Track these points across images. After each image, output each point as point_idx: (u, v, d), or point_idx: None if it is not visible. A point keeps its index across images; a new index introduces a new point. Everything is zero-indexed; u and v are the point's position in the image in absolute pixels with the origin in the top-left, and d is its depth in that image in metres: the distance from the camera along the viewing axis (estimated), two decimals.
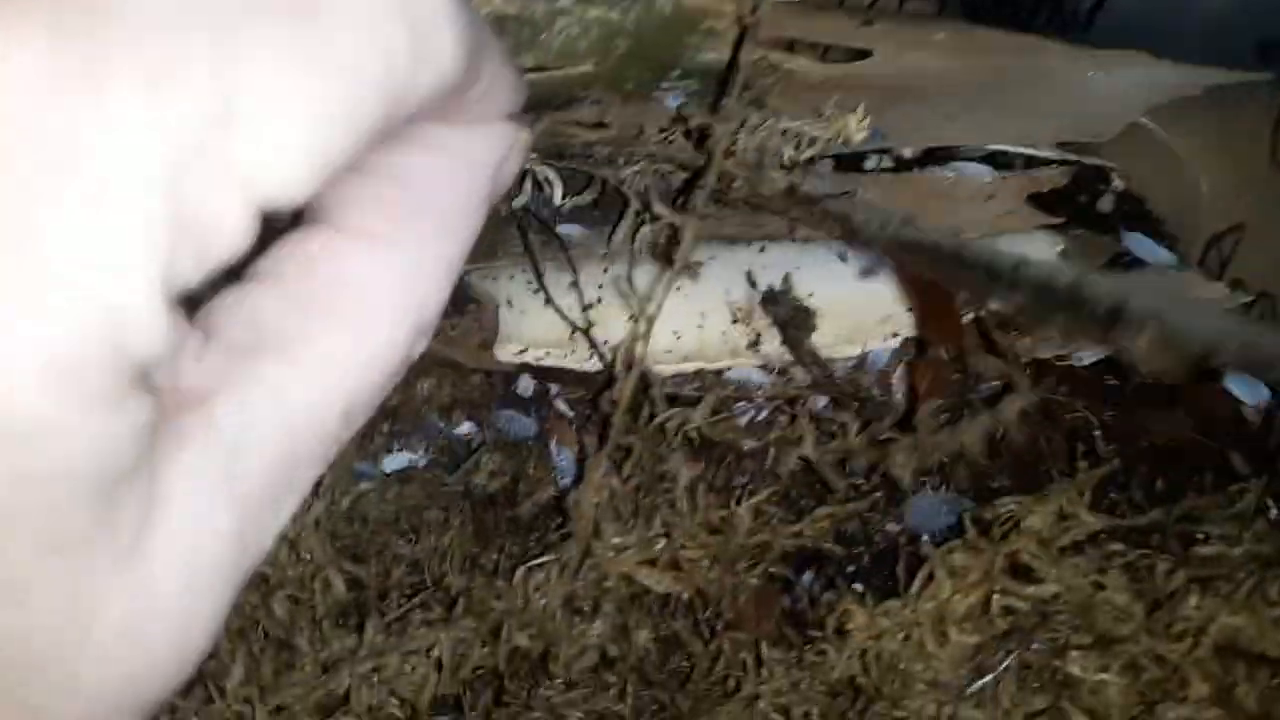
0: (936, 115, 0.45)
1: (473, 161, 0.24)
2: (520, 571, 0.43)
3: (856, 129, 0.43)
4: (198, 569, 0.17)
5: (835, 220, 0.43)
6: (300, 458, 0.19)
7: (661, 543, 0.44)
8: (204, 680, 0.41)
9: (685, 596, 0.44)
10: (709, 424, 0.47)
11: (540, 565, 0.43)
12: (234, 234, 0.17)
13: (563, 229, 0.50)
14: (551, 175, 0.47)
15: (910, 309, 0.47)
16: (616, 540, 0.43)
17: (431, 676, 0.43)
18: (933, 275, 0.43)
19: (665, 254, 0.46)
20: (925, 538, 0.46)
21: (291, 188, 0.17)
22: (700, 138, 0.42)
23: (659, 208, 0.40)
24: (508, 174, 0.25)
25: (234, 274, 0.20)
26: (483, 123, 0.24)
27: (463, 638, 0.43)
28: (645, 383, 0.47)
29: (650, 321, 0.40)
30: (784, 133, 0.44)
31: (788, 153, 0.44)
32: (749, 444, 0.48)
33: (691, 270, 0.51)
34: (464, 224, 0.23)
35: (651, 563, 0.43)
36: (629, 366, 0.41)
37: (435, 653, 0.43)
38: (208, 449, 0.17)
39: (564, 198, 0.48)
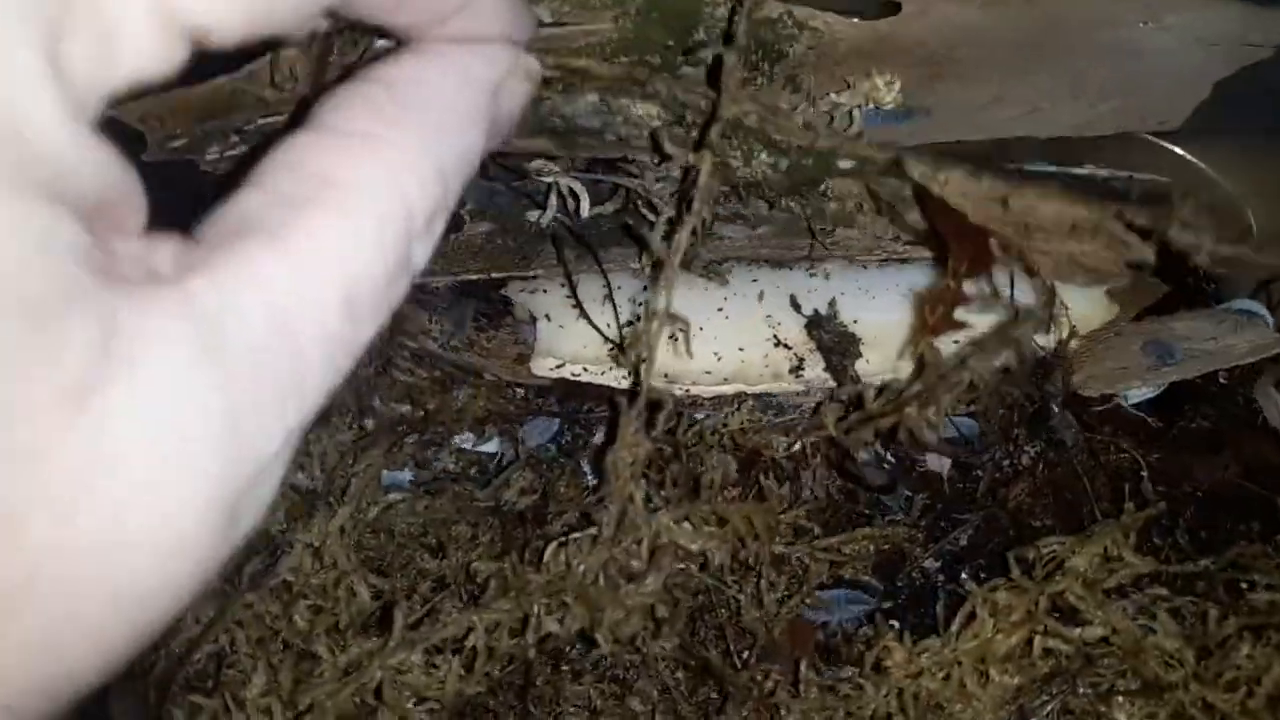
0: (983, 97, 0.43)
1: (468, 74, 0.24)
2: (552, 547, 0.41)
3: (885, 90, 0.43)
4: (174, 438, 0.17)
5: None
6: (304, 353, 0.19)
7: (697, 502, 0.42)
8: (222, 690, 0.40)
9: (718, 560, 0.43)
10: (741, 430, 0.46)
11: (574, 540, 0.41)
12: (141, 37, 0.17)
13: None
14: (578, 187, 0.46)
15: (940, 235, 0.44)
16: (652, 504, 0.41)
17: (457, 674, 0.42)
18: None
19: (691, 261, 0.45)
20: (965, 574, 0.45)
21: (207, 8, 0.17)
22: (713, 71, 0.41)
23: (670, 148, 0.39)
24: (512, 99, 0.26)
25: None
26: (477, 38, 0.25)
27: (497, 620, 0.42)
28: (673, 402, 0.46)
29: (669, 285, 0.37)
30: (814, 104, 0.43)
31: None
32: (781, 443, 0.47)
33: (720, 276, 0.50)
34: (457, 132, 0.23)
35: (689, 522, 0.42)
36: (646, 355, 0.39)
37: (469, 641, 0.42)
38: (181, 318, 0.17)
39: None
